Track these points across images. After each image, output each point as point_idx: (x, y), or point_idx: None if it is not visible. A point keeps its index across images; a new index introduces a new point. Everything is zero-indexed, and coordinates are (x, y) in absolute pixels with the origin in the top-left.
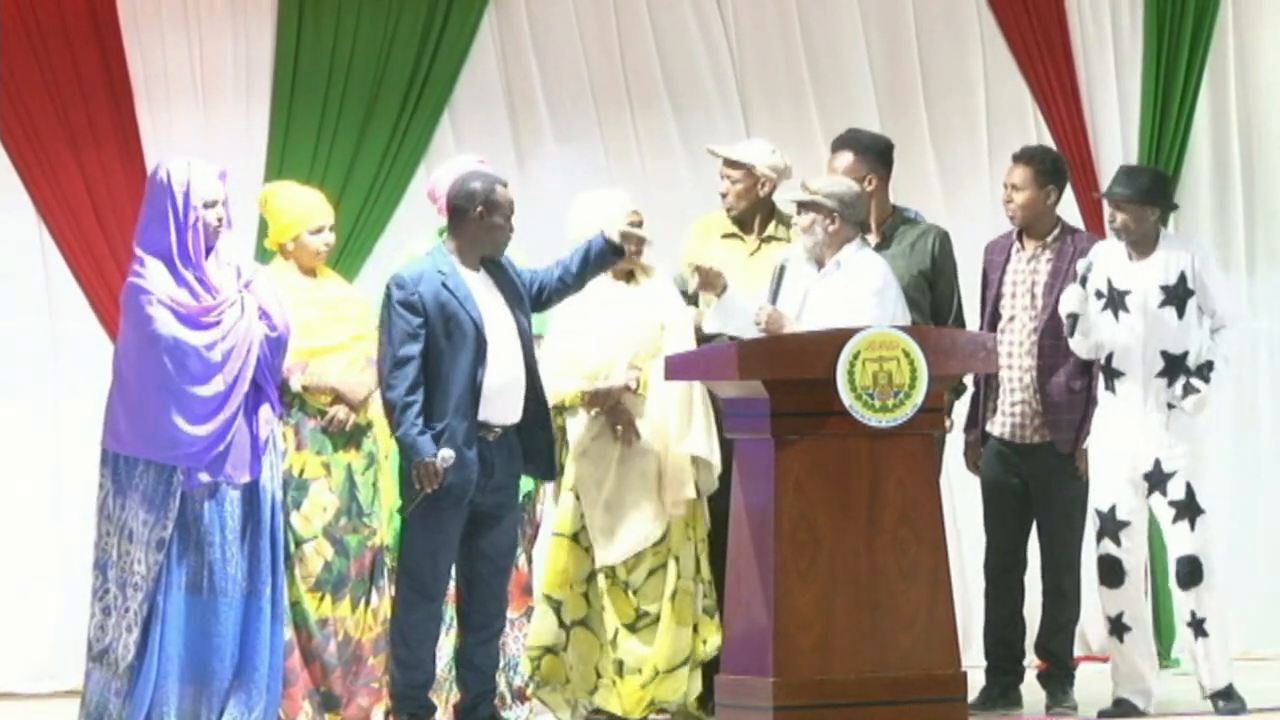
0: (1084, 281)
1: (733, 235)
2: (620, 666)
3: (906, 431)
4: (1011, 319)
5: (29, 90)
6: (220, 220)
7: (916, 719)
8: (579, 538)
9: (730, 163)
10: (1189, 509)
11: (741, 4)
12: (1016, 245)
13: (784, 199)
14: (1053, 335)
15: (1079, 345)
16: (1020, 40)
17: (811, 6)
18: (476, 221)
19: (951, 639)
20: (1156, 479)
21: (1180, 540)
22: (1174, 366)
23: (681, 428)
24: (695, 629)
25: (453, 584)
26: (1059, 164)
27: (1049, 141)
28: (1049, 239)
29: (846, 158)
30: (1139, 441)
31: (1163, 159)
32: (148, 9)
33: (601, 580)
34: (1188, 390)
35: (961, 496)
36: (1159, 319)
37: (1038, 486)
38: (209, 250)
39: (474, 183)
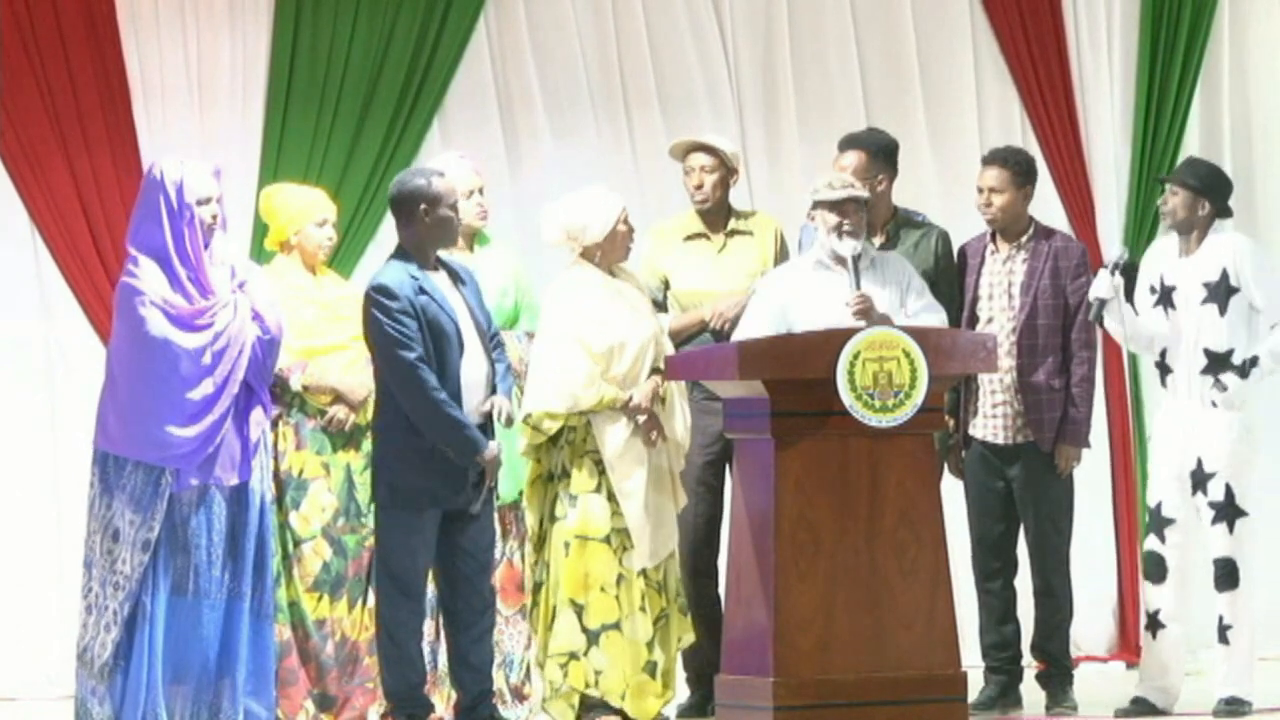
0: (1115, 270)
1: (697, 236)
2: (654, 668)
3: (906, 431)
4: (989, 321)
5: (25, 92)
6: (215, 218)
7: (916, 719)
8: (610, 540)
9: (706, 149)
10: (1228, 511)
11: (736, 6)
12: (991, 247)
13: (828, 195)
14: (1031, 335)
15: (1118, 334)
16: (1014, 44)
17: (805, 7)
18: (423, 218)
19: (951, 639)
20: (1199, 478)
21: (1218, 542)
22: (1216, 364)
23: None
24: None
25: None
26: (1031, 163)
27: (1036, 145)
28: (1023, 239)
29: (859, 157)
30: (1185, 439)
31: (1155, 163)
32: (145, 11)
33: (641, 583)
34: (1217, 385)
35: (958, 496)
36: (1201, 316)
37: (1022, 488)
38: (205, 247)
39: (412, 181)
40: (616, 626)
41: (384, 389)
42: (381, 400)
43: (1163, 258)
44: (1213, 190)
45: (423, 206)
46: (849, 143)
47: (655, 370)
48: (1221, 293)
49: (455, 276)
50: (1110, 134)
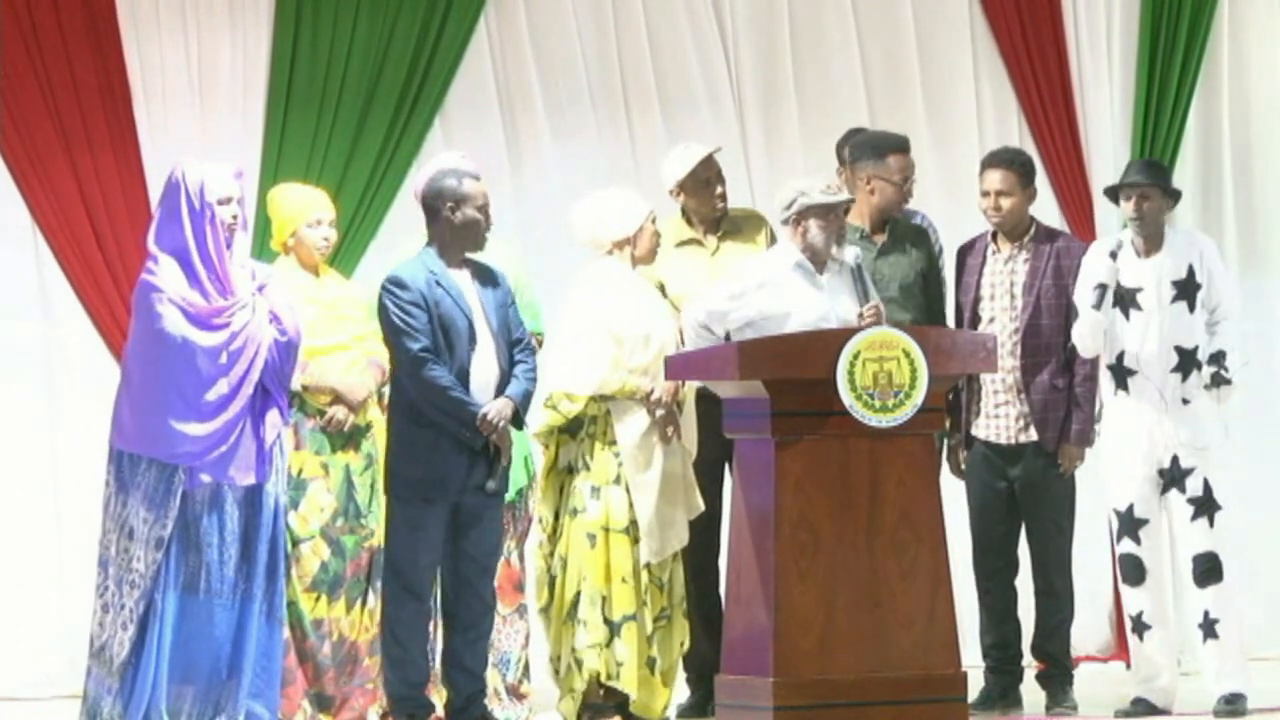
0: (1114, 256)
1: (690, 241)
2: (653, 664)
3: (906, 431)
4: (991, 321)
5: (25, 92)
6: (235, 218)
7: (916, 719)
8: (629, 531)
9: (715, 164)
10: (1207, 505)
11: (736, 6)
12: (992, 247)
13: (825, 199)
14: (1034, 335)
15: (1083, 339)
16: (1013, 44)
17: (805, 7)
18: (450, 218)
19: (951, 639)
20: (1174, 476)
21: (1198, 537)
22: (1187, 361)
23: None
24: None
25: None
26: (1032, 163)
27: (1034, 145)
28: (1025, 239)
29: (911, 159)
30: (1155, 439)
31: None
32: (145, 11)
33: (646, 577)
34: (1218, 380)
35: (958, 496)
36: (1171, 315)
37: (1025, 487)
38: (227, 247)
39: (443, 180)
40: (634, 618)
41: (396, 383)
42: (393, 394)
43: (1116, 259)
44: (1170, 184)
45: (449, 205)
46: (897, 145)
47: None
48: (1190, 290)
49: (484, 277)
50: (1109, 134)
